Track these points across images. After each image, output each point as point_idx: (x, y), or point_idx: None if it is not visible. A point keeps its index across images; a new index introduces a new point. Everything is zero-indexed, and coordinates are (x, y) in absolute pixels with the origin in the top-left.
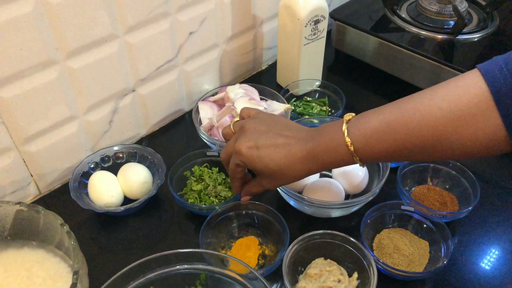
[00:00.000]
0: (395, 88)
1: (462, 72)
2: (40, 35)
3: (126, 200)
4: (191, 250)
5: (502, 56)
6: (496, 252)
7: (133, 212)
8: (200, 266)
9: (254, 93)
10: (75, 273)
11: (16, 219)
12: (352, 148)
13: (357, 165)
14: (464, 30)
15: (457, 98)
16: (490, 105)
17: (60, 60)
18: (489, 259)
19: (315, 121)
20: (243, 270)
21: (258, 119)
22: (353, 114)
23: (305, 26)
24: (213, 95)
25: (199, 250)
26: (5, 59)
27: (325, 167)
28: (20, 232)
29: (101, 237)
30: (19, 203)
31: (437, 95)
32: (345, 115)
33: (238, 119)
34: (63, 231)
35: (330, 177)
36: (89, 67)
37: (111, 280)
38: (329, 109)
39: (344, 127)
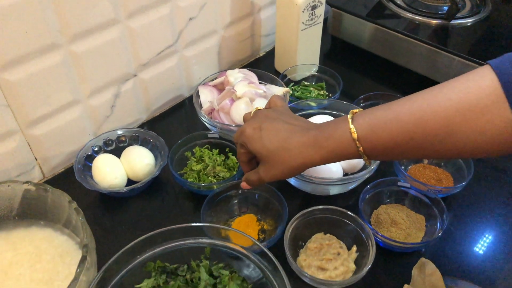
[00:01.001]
0: (391, 73)
1: (458, 55)
2: (44, 19)
3: (130, 182)
4: (195, 224)
5: None
6: (489, 226)
7: (136, 194)
8: (204, 240)
9: (253, 77)
10: (85, 246)
11: (24, 198)
12: (355, 135)
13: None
14: (458, 15)
15: (467, 90)
16: (501, 97)
17: (64, 44)
18: (482, 232)
19: (313, 103)
20: (245, 245)
21: (275, 109)
22: (361, 109)
23: (303, 12)
24: (212, 80)
25: (203, 224)
26: (11, 42)
27: (327, 158)
28: (28, 212)
29: (105, 219)
30: (27, 182)
31: (446, 87)
32: (351, 110)
33: (261, 107)
34: (71, 208)
35: None
36: (91, 51)
37: (118, 254)
38: (327, 93)
39: (350, 115)
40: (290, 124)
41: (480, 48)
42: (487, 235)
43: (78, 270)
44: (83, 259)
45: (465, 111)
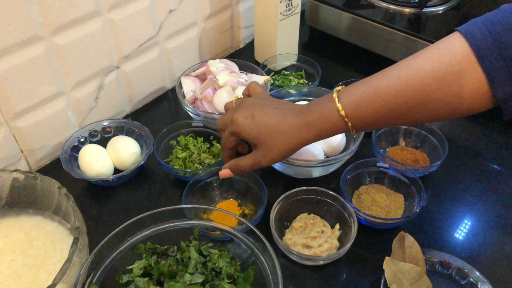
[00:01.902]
0: (369, 61)
1: (431, 42)
2: (26, 11)
3: (116, 171)
4: (183, 206)
5: (480, 17)
6: (464, 202)
7: (124, 183)
8: (193, 222)
9: (234, 67)
10: (77, 228)
11: (13, 187)
12: (343, 113)
13: None
14: (429, 4)
15: (440, 58)
16: (472, 61)
17: (46, 36)
18: (457, 208)
19: (293, 91)
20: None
21: (257, 97)
22: (343, 86)
23: (280, 2)
24: (194, 71)
25: (191, 205)
26: None
27: (319, 136)
28: (17, 201)
29: (94, 208)
30: (15, 170)
31: (419, 58)
32: (334, 88)
33: (241, 96)
34: (61, 194)
35: None
36: (74, 43)
37: (109, 236)
38: (306, 81)
39: (335, 95)
40: (280, 109)
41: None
42: (461, 211)
43: (71, 250)
44: (75, 241)
45: (441, 78)
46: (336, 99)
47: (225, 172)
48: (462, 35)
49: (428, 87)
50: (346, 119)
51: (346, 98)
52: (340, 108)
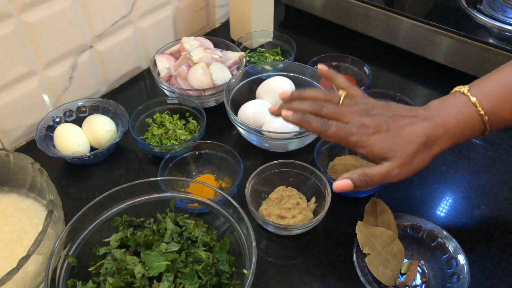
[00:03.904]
0: (346, 38)
1: (407, 17)
2: None
3: (93, 150)
4: (157, 178)
5: None
6: (435, 170)
7: (101, 161)
8: (168, 194)
9: (209, 44)
10: (50, 201)
11: None
12: (482, 113)
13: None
14: None
15: None
16: None
17: (15, 14)
18: (430, 176)
19: (268, 67)
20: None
21: (367, 102)
22: (465, 86)
23: None
24: (169, 48)
25: (167, 177)
26: None
27: (456, 142)
28: None
29: (71, 187)
30: None
31: None
32: (456, 87)
33: (345, 93)
34: (35, 170)
35: None
36: (44, 21)
37: (85, 209)
38: (282, 58)
39: (466, 89)
40: (407, 116)
41: (429, 9)
42: (433, 178)
43: (45, 222)
44: (49, 213)
45: None
46: (473, 98)
47: (343, 185)
48: None
49: None
50: (485, 121)
51: (479, 93)
52: (480, 109)
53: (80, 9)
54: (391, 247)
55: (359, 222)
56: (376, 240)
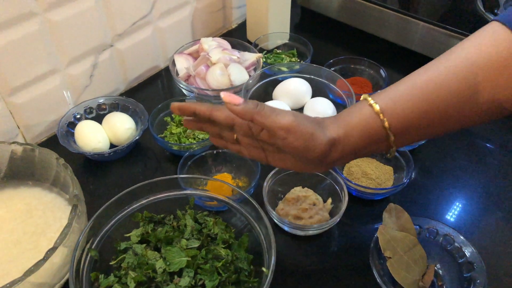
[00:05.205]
0: (361, 41)
1: (422, 20)
2: None
3: (112, 147)
4: (178, 176)
5: None
6: (451, 175)
7: (119, 158)
8: (188, 192)
9: (226, 45)
10: (75, 196)
11: (12, 159)
12: (377, 108)
13: (326, 102)
14: None
15: (483, 47)
16: None
17: (40, 12)
18: (446, 180)
19: (285, 68)
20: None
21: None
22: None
23: None
24: (187, 49)
25: (186, 175)
26: None
27: (350, 136)
28: (15, 173)
29: (90, 183)
30: (14, 142)
31: (459, 48)
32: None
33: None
34: (59, 164)
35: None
36: (68, 20)
37: (107, 204)
38: (298, 60)
39: (365, 96)
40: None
41: (444, 13)
42: (449, 183)
43: (70, 216)
44: (74, 207)
45: (486, 68)
46: (367, 96)
47: (232, 98)
48: (502, 23)
49: (474, 77)
50: (381, 116)
51: (380, 96)
52: (372, 103)
53: (102, 9)
54: (413, 252)
55: (381, 225)
56: (397, 244)
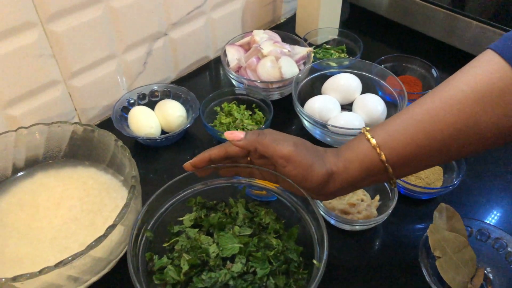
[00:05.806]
0: (410, 39)
1: (473, 19)
2: None
3: (163, 133)
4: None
5: (510, 32)
6: (503, 178)
7: (169, 145)
8: (241, 180)
9: (277, 38)
10: (133, 177)
11: (72, 139)
12: (374, 142)
13: (377, 98)
14: None
15: (477, 78)
16: None
17: None
18: (496, 184)
19: (334, 63)
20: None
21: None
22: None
23: None
24: (238, 40)
25: (242, 164)
26: None
27: (349, 169)
28: (74, 153)
29: (139, 167)
30: (76, 123)
31: (454, 80)
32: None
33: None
34: (118, 146)
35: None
36: (128, 7)
37: (161, 189)
38: (347, 56)
39: (364, 129)
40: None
41: (497, 11)
42: (499, 186)
43: (129, 196)
44: (132, 188)
45: (482, 99)
46: (364, 130)
47: (234, 136)
48: (496, 52)
49: (470, 109)
50: (378, 150)
51: (377, 130)
52: (369, 137)
53: None
54: (463, 254)
55: (431, 225)
56: (448, 244)
